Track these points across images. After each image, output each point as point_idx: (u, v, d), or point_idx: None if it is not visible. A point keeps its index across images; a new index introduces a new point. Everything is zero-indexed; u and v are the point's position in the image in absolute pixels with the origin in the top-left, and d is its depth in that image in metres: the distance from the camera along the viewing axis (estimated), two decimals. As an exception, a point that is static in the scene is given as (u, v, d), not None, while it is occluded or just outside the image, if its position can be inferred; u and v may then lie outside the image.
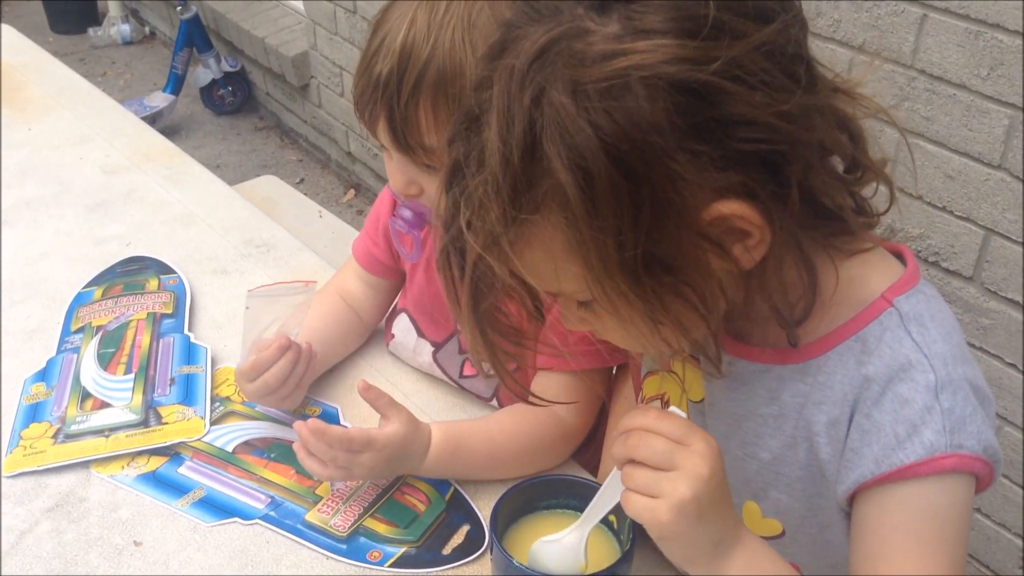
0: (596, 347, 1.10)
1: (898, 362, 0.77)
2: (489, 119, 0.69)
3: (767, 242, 0.71)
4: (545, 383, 1.17)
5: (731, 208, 0.68)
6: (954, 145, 1.73)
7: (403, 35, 0.98)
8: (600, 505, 0.83)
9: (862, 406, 0.78)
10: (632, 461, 0.75)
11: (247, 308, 1.15)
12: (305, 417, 1.21)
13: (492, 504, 0.95)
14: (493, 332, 0.81)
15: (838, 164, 0.78)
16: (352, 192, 3.70)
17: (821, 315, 0.81)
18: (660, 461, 0.73)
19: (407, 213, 1.11)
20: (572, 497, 0.94)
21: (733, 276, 0.73)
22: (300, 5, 3.68)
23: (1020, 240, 1.68)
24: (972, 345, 1.83)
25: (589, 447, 1.23)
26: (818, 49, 1.92)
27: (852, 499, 0.81)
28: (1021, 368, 1.76)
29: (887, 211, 0.80)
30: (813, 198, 0.73)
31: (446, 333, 1.26)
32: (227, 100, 4.16)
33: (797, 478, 0.84)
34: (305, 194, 2.88)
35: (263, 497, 1.10)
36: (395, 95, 0.98)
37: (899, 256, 0.85)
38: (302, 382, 1.19)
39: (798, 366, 0.83)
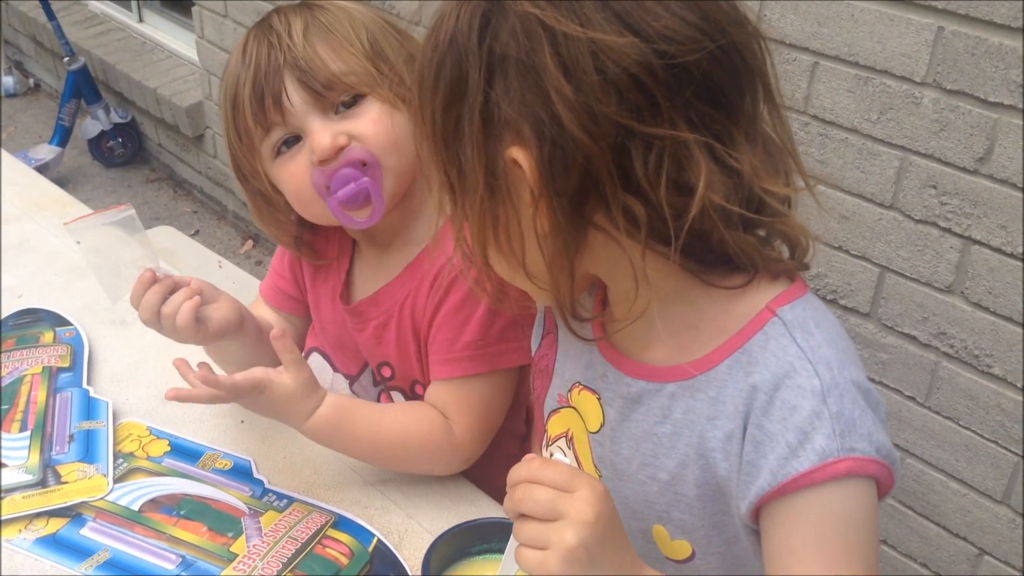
0: (484, 351, 1.11)
1: (783, 369, 0.78)
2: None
3: (544, 210, 0.75)
4: (436, 392, 1.16)
5: (517, 154, 0.74)
6: (847, 187, 1.79)
7: (274, 18, 1.11)
8: (509, 560, 0.81)
9: (753, 416, 0.78)
10: (521, 514, 0.74)
11: (78, 243, 1.12)
12: (215, 471, 1.17)
13: (418, 553, 0.92)
14: None
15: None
16: (250, 243, 3.62)
17: (709, 331, 0.82)
18: (544, 512, 0.73)
19: (347, 171, 1.08)
20: (504, 540, 0.91)
21: (545, 239, 0.77)
22: (194, 55, 3.62)
23: (914, 277, 1.75)
24: (872, 379, 1.87)
25: (491, 464, 1.19)
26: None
27: (757, 515, 0.81)
28: (920, 401, 1.82)
29: (797, 257, 0.85)
30: (658, 221, 0.75)
31: (358, 365, 1.24)
32: (117, 152, 4.05)
33: (695, 496, 0.84)
34: (203, 246, 2.81)
35: (173, 557, 1.04)
36: (290, 49, 1.07)
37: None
38: (193, 315, 1.12)
39: (688, 382, 0.83)
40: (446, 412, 1.15)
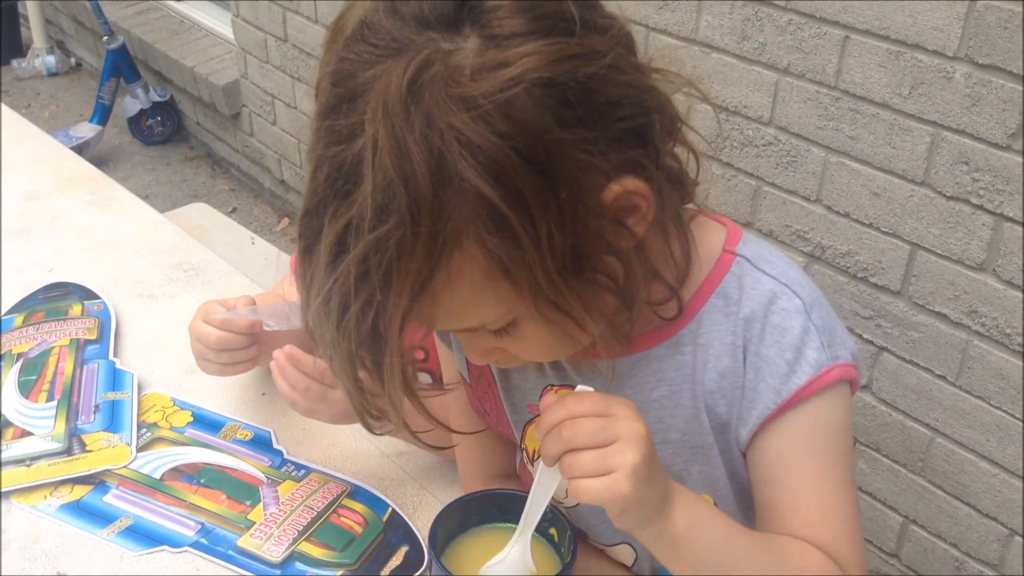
0: None
1: (766, 297, 0.82)
2: (378, 162, 0.64)
3: (654, 209, 0.74)
4: None
5: (625, 184, 0.71)
6: (878, 163, 1.77)
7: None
8: (534, 508, 0.82)
9: (751, 346, 0.82)
10: (569, 451, 0.73)
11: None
12: (236, 442, 1.19)
13: (431, 524, 0.93)
14: (418, 393, 0.78)
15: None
16: (286, 221, 3.65)
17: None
18: (599, 439, 0.72)
19: None
20: (505, 512, 0.92)
21: (630, 252, 0.75)
22: (230, 34, 3.65)
23: (945, 254, 1.72)
24: (903, 358, 1.86)
25: None
26: (744, 71, 1.96)
27: (751, 441, 0.84)
28: (951, 380, 1.79)
29: (696, 176, 0.84)
30: (666, 166, 0.76)
31: None
32: (156, 130, 4.10)
33: (710, 444, 0.86)
34: (237, 223, 2.84)
35: (193, 524, 1.06)
36: None
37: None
38: (237, 366, 1.19)
39: (671, 341, 0.85)
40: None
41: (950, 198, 1.68)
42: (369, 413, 0.79)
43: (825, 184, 1.85)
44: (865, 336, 1.91)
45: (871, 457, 1.99)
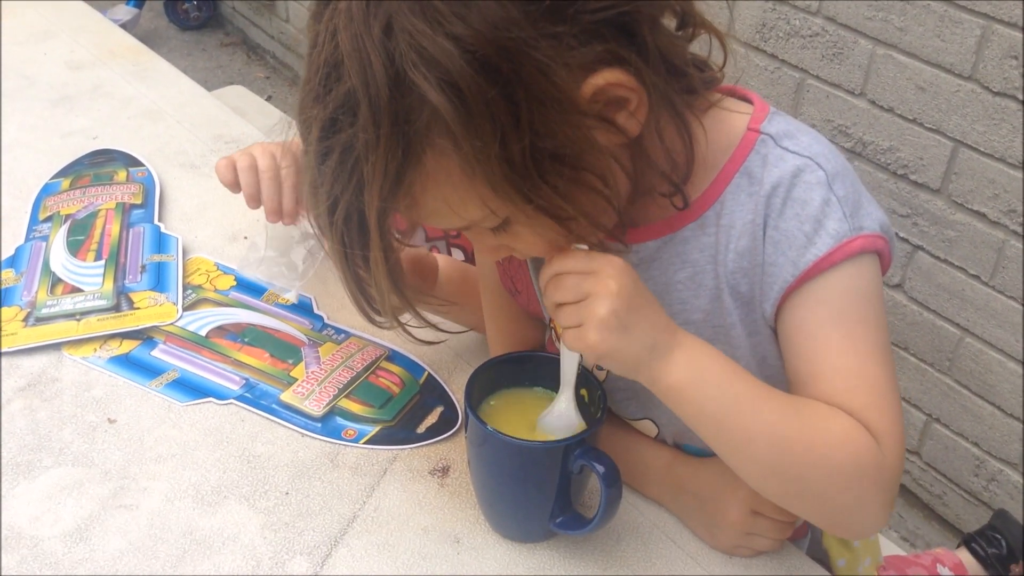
0: None
1: (789, 173, 0.81)
2: (341, 68, 0.68)
3: (645, 104, 0.73)
4: None
5: (605, 78, 0.71)
6: (926, 56, 1.74)
7: None
8: (567, 362, 0.86)
9: (770, 221, 0.82)
10: (557, 305, 0.79)
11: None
12: (278, 306, 1.22)
13: (467, 381, 0.96)
14: (403, 284, 0.81)
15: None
16: (321, 110, 3.65)
17: (702, 169, 0.84)
18: (575, 295, 0.77)
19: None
20: (535, 375, 0.95)
21: (623, 149, 0.75)
22: (268, -84, 3.59)
23: (988, 151, 1.70)
24: (937, 257, 1.86)
25: None
26: (795, -43, 1.90)
27: (777, 316, 0.84)
28: (984, 280, 1.79)
29: (724, 64, 0.82)
30: (663, 57, 0.75)
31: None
32: (192, 15, 4.07)
33: (731, 324, 0.87)
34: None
35: (237, 379, 1.10)
36: None
37: (743, 99, 0.88)
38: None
39: (696, 223, 0.86)
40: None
41: (997, 94, 1.65)
42: (369, 306, 0.84)
43: (871, 77, 1.83)
44: (901, 235, 1.90)
45: (898, 356, 2.00)
